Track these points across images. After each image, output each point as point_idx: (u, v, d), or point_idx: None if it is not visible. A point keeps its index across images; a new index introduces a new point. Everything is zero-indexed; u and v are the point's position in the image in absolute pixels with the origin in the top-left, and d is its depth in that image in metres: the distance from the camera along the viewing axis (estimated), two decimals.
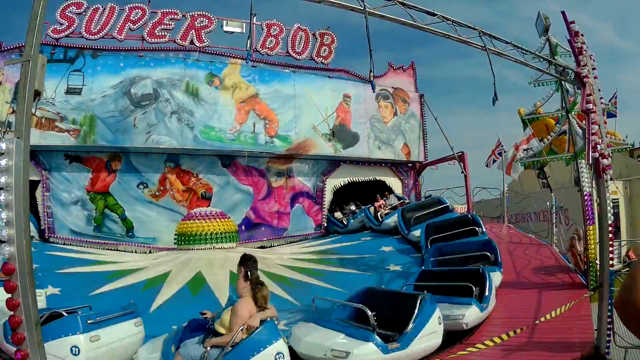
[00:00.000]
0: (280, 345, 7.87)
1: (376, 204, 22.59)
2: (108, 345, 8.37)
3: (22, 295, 5.45)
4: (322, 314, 10.71)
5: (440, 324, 9.63)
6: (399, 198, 23.45)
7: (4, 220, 5.48)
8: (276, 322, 8.40)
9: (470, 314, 10.76)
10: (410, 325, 9.01)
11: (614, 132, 23.63)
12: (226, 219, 18.24)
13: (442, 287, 11.59)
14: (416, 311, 9.20)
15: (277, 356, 7.85)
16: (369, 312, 8.99)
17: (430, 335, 9.22)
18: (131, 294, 12.66)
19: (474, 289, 11.30)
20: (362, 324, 9.32)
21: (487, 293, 11.54)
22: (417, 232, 18.06)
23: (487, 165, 29.94)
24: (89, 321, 8.16)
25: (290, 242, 22.31)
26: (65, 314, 8.41)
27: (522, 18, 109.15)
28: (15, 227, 5.50)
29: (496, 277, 13.19)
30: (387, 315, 9.53)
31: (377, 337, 8.59)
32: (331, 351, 8.66)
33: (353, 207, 24.30)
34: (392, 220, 20.61)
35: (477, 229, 16.58)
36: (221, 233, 17.53)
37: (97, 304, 10.37)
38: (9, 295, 5.47)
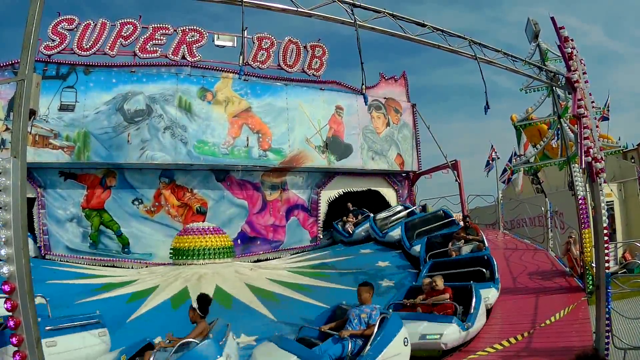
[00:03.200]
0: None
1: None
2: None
3: (22, 314, 5.46)
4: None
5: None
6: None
7: (3, 240, 5.49)
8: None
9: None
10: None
11: (606, 135, 23.68)
12: (222, 234, 18.24)
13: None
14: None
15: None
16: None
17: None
18: (114, 306, 12.73)
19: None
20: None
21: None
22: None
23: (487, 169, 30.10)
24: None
25: (287, 255, 22.31)
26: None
27: (511, 23, 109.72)
28: (14, 245, 5.51)
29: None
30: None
31: None
32: None
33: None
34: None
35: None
36: (217, 248, 17.52)
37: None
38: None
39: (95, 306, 12.47)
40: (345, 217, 23.46)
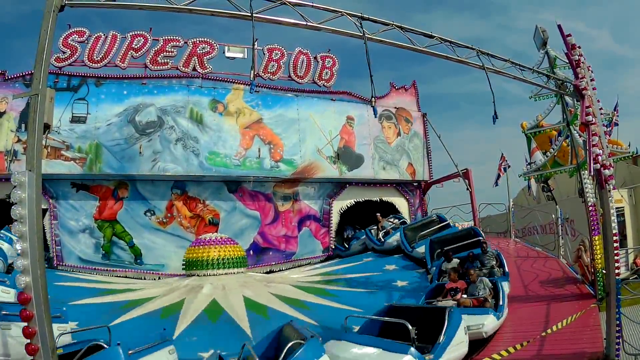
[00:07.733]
0: None
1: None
2: None
3: (38, 324, 5.55)
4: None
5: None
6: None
7: (19, 251, 5.59)
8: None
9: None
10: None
11: (616, 141, 23.55)
12: (234, 245, 18.27)
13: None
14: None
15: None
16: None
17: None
18: (151, 323, 12.70)
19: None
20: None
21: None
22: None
23: (496, 184, 30.03)
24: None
25: (299, 266, 22.28)
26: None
27: (519, 30, 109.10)
28: (30, 257, 5.61)
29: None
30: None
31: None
32: None
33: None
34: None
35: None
36: (230, 258, 17.51)
37: (119, 333, 10.40)
38: None
39: (131, 326, 12.57)
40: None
